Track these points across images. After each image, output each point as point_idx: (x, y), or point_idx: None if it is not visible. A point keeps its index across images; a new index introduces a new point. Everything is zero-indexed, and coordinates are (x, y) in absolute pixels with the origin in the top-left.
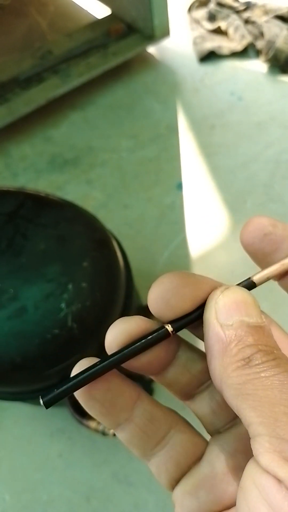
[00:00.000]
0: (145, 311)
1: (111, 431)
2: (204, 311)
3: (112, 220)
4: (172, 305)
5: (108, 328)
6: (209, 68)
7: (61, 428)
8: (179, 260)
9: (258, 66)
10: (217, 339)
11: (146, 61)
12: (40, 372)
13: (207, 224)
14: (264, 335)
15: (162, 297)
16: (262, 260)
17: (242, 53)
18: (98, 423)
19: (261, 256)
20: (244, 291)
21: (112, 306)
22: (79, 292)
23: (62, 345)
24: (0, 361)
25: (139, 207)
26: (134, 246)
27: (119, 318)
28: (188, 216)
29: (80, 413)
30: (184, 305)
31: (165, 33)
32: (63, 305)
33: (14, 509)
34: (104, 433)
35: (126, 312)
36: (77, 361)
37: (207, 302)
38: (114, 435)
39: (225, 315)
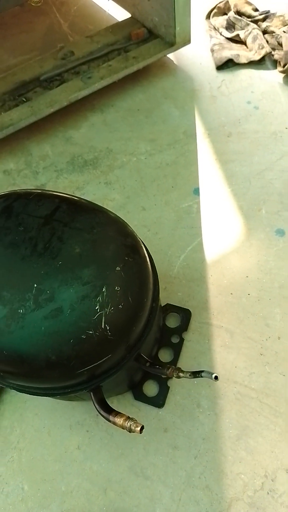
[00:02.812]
0: (162, 311)
1: (138, 428)
2: None
3: (130, 222)
4: None
5: (136, 331)
6: (227, 76)
7: (80, 421)
8: (195, 264)
9: (275, 76)
10: None
11: (164, 66)
12: (73, 371)
13: (222, 229)
14: None
15: None
16: None
17: (260, 63)
18: (125, 419)
19: None
20: None
21: (141, 309)
22: (112, 295)
23: (94, 346)
24: (35, 359)
25: (157, 210)
26: (152, 248)
27: (146, 320)
28: (204, 220)
29: (106, 409)
30: None
31: (186, 40)
32: (97, 307)
33: (33, 498)
34: (130, 430)
35: (152, 314)
36: (108, 361)
37: None
38: (141, 431)
39: None
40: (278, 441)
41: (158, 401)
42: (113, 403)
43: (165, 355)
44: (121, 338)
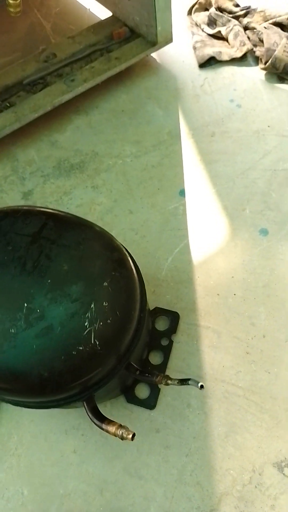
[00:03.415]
0: (151, 315)
1: (129, 436)
2: None
3: (117, 225)
4: None
5: (125, 342)
6: (209, 74)
7: (75, 426)
8: (183, 265)
9: (257, 73)
10: None
11: (147, 65)
12: (65, 385)
13: (208, 230)
14: None
15: None
16: None
17: (242, 59)
18: (117, 428)
19: None
20: None
21: (129, 321)
22: (101, 311)
23: (85, 360)
24: (28, 376)
25: (144, 213)
26: (140, 252)
27: (135, 330)
28: (190, 222)
29: (99, 418)
30: None
31: (168, 39)
32: (86, 323)
33: (33, 502)
34: (122, 438)
35: (141, 324)
36: (99, 373)
37: None
38: (132, 439)
39: None
40: (264, 437)
41: (150, 403)
42: (106, 406)
43: (155, 358)
44: (110, 351)
